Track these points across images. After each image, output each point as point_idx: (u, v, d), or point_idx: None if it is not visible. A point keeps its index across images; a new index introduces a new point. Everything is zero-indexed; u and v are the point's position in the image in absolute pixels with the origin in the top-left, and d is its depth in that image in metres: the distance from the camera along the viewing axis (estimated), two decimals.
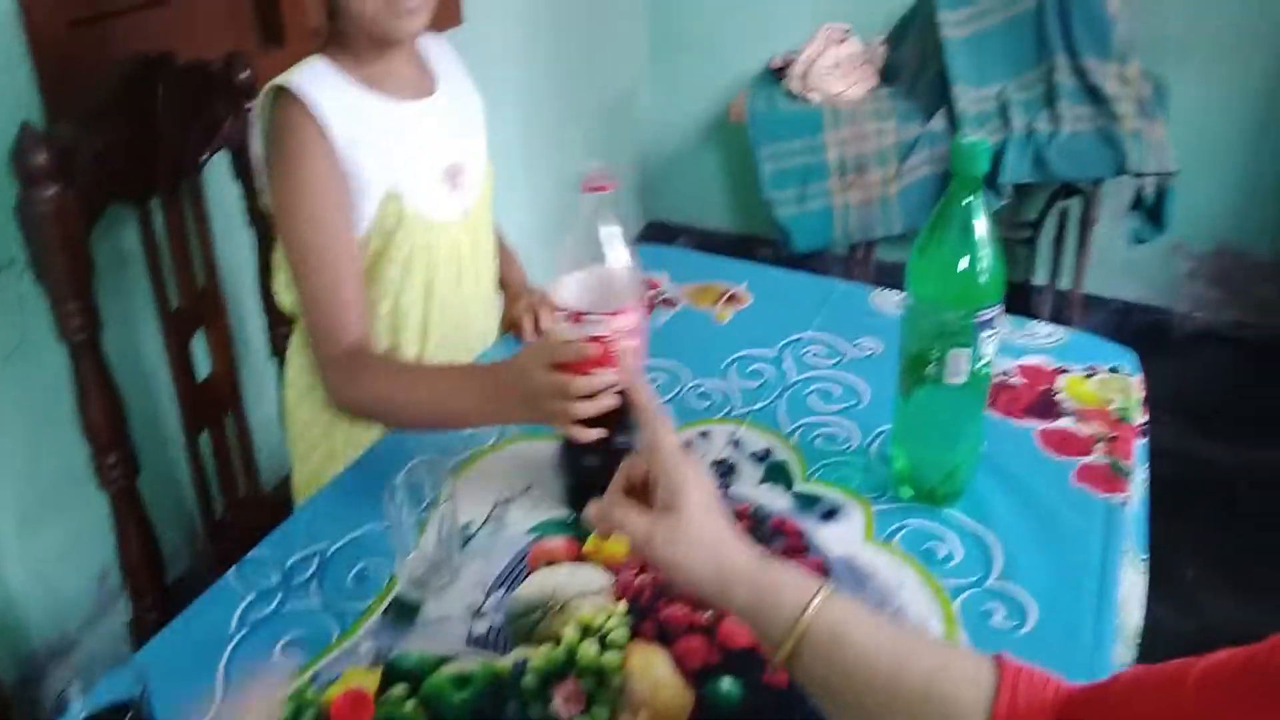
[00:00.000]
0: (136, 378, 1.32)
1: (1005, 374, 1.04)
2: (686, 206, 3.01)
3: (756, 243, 2.86)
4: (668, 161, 2.97)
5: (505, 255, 1.24)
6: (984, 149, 0.78)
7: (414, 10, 0.93)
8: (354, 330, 0.96)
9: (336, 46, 0.99)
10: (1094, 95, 2.03)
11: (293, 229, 0.95)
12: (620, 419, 0.81)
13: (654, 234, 3.02)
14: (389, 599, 0.79)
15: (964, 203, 0.79)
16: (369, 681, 0.71)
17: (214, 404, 1.32)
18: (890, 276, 2.32)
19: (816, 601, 0.56)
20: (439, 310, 1.08)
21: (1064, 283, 2.35)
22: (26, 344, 1.20)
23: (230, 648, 0.74)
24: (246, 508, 1.38)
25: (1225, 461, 2.00)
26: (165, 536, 1.26)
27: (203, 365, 1.29)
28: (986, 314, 0.80)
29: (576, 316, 0.78)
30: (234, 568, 0.83)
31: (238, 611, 0.78)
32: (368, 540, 0.86)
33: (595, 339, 0.77)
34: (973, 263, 0.79)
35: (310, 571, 0.82)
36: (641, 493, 0.64)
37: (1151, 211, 2.05)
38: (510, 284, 1.22)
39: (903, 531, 0.83)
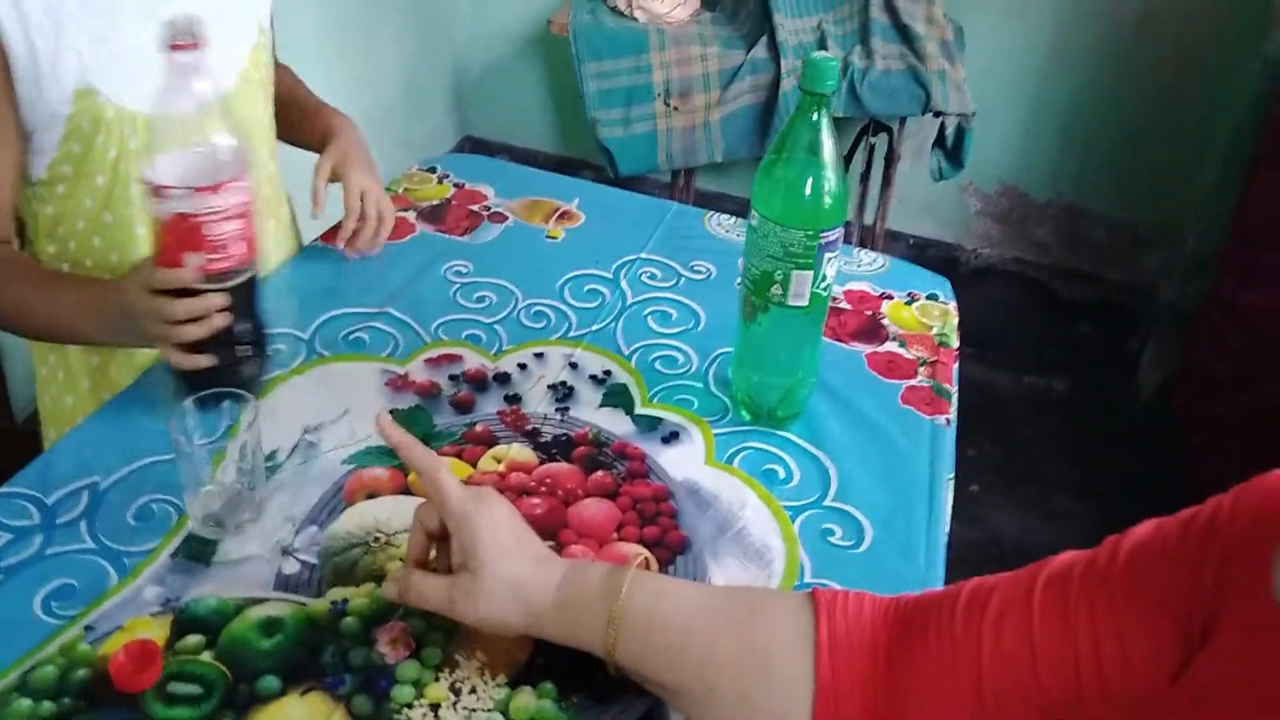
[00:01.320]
0: None
1: (834, 299, 1.05)
2: (505, 123, 2.88)
3: (577, 165, 2.79)
4: (486, 74, 2.81)
5: (288, 78, 1.09)
6: (833, 66, 0.76)
7: None
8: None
9: None
10: (904, 34, 2.10)
11: None
12: (239, 310, 0.75)
13: (470, 150, 2.87)
14: (178, 539, 0.69)
15: (812, 118, 0.77)
16: (156, 632, 0.61)
17: None
18: (709, 204, 2.33)
19: (621, 595, 0.57)
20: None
21: (868, 218, 2.46)
22: None
23: None
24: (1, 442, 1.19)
25: (1004, 386, 2.19)
26: None
27: None
28: (830, 235, 0.79)
29: (159, 190, 0.70)
30: None
31: None
32: (151, 473, 0.74)
33: (183, 216, 0.70)
34: (818, 182, 0.77)
35: (79, 509, 0.70)
36: (443, 538, 0.63)
37: (951, 150, 2.16)
38: (307, 102, 1.08)
39: (743, 453, 0.82)
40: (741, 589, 0.67)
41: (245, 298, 0.76)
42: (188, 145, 0.70)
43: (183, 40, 0.68)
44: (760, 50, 2.11)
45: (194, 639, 0.61)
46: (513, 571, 0.59)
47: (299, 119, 1.05)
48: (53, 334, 0.87)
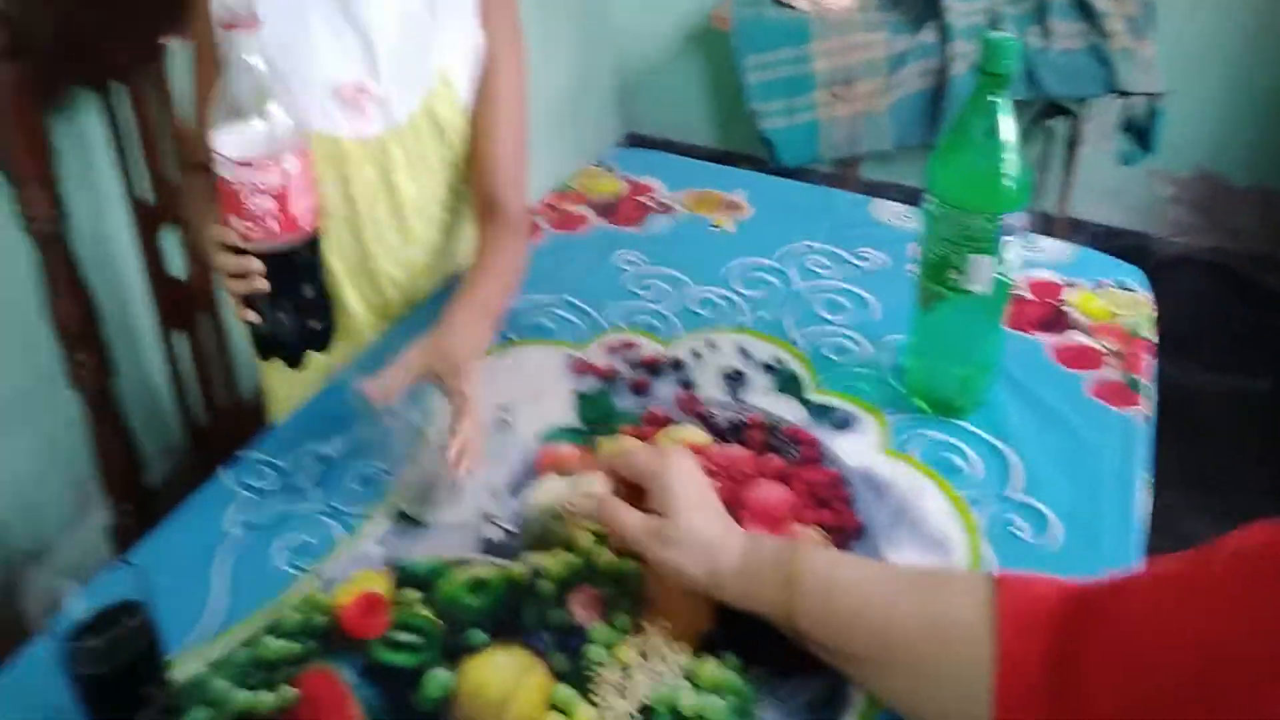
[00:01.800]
0: (107, 273, 1.25)
1: (1014, 287, 1.02)
2: (666, 119, 2.92)
3: (739, 158, 2.79)
4: (647, 71, 2.86)
5: (477, 270, 0.96)
6: (1014, 46, 0.74)
7: None
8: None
9: None
10: (1085, 11, 1.98)
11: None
12: (291, 281, 0.81)
13: (632, 146, 2.94)
14: (397, 509, 0.76)
15: (990, 100, 0.75)
16: (380, 585, 0.68)
17: (188, 304, 1.26)
18: (875, 193, 2.29)
19: (800, 557, 0.59)
20: (334, 228, 1.02)
21: (1048, 205, 2.34)
22: None
23: (230, 549, 0.71)
24: (227, 416, 1.33)
25: (1199, 387, 2.03)
26: (144, 442, 1.22)
27: (174, 263, 1.22)
28: (1011, 219, 0.77)
29: (213, 153, 0.75)
30: (224, 466, 0.79)
31: (230, 514, 0.75)
32: (370, 444, 0.82)
33: (226, 183, 0.75)
34: (998, 164, 0.76)
35: (310, 473, 0.79)
36: (630, 490, 0.66)
37: (1140, 133, 2.03)
38: (447, 314, 0.88)
39: (919, 442, 0.82)
40: (922, 566, 0.67)
41: (291, 270, 0.80)
42: (246, 118, 0.75)
43: (240, 20, 0.74)
44: (928, 34, 2.05)
45: (412, 593, 0.68)
46: (703, 528, 0.62)
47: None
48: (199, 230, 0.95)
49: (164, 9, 1.14)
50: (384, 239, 1.04)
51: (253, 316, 0.81)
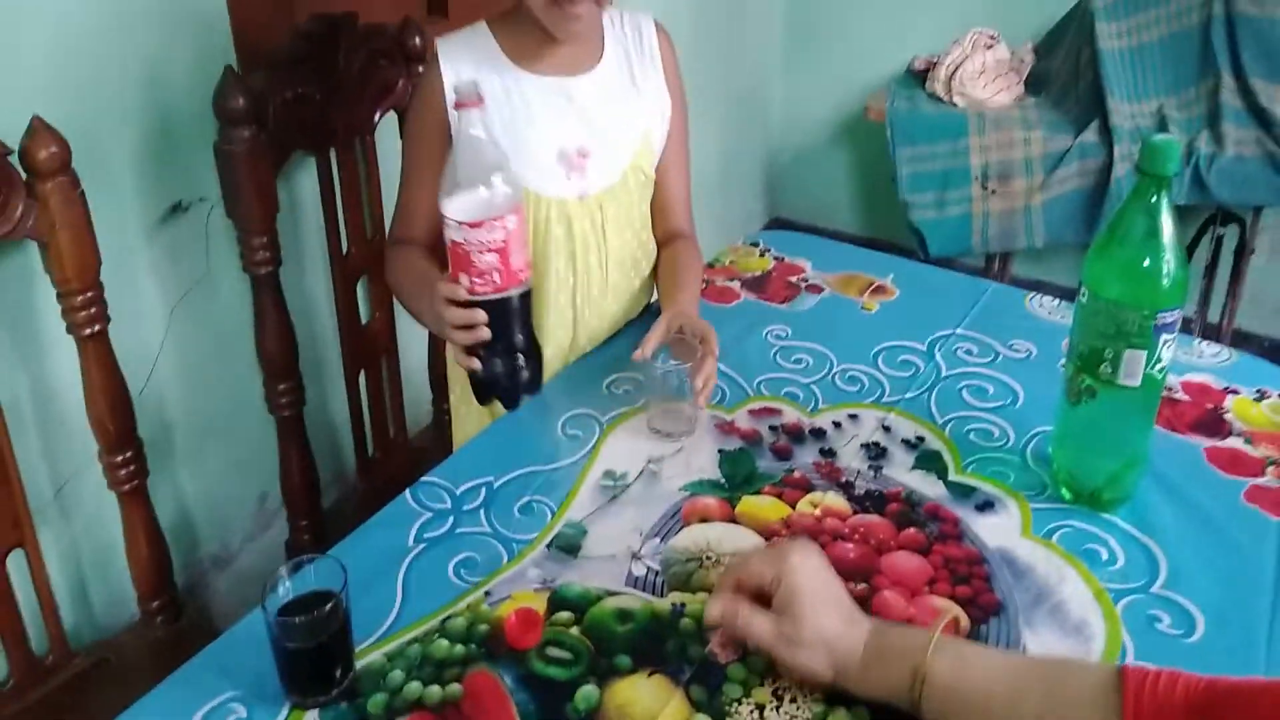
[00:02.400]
0: (306, 316, 1.41)
1: (1169, 389, 1.01)
2: (812, 205, 3.00)
3: (883, 247, 2.81)
4: (795, 158, 2.96)
5: (683, 266, 1.17)
6: (1175, 148, 0.77)
7: (579, 16, 0.97)
8: (412, 231, 1.12)
9: (506, 16, 1.06)
10: (1261, 117, 1.94)
11: (403, 152, 1.14)
12: (508, 328, 0.91)
13: (776, 229, 3.02)
14: (552, 534, 0.83)
15: (1151, 200, 0.78)
16: (536, 604, 0.75)
17: (372, 349, 1.40)
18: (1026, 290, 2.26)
19: (928, 653, 0.61)
20: (553, 282, 1.12)
21: (1212, 315, 2.25)
22: (211, 273, 1.29)
23: (409, 559, 0.80)
24: (394, 449, 1.46)
25: None
26: (320, 467, 1.35)
27: (363, 312, 1.37)
28: (1167, 317, 0.79)
29: (445, 219, 0.86)
30: (409, 489, 0.88)
31: (414, 528, 0.83)
32: (530, 479, 0.90)
33: (457, 244, 0.86)
34: (1156, 262, 0.78)
35: (478, 500, 0.87)
36: (755, 592, 0.69)
37: None
38: (674, 296, 1.12)
39: (1062, 530, 0.83)
40: (1047, 658, 0.68)
41: (508, 317, 0.91)
42: (472, 185, 0.86)
43: (465, 100, 0.85)
44: (1090, 135, 2.05)
45: (565, 615, 0.74)
46: (829, 627, 0.64)
47: (664, 289, 1.17)
48: (410, 311, 1.10)
49: (379, 88, 1.31)
50: (590, 290, 1.15)
51: (475, 364, 0.92)
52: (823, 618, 0.65)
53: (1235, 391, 1.01)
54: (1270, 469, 0.90)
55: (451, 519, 0.85)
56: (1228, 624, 0.73)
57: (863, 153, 2.82)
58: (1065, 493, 0.87)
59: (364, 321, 1.38)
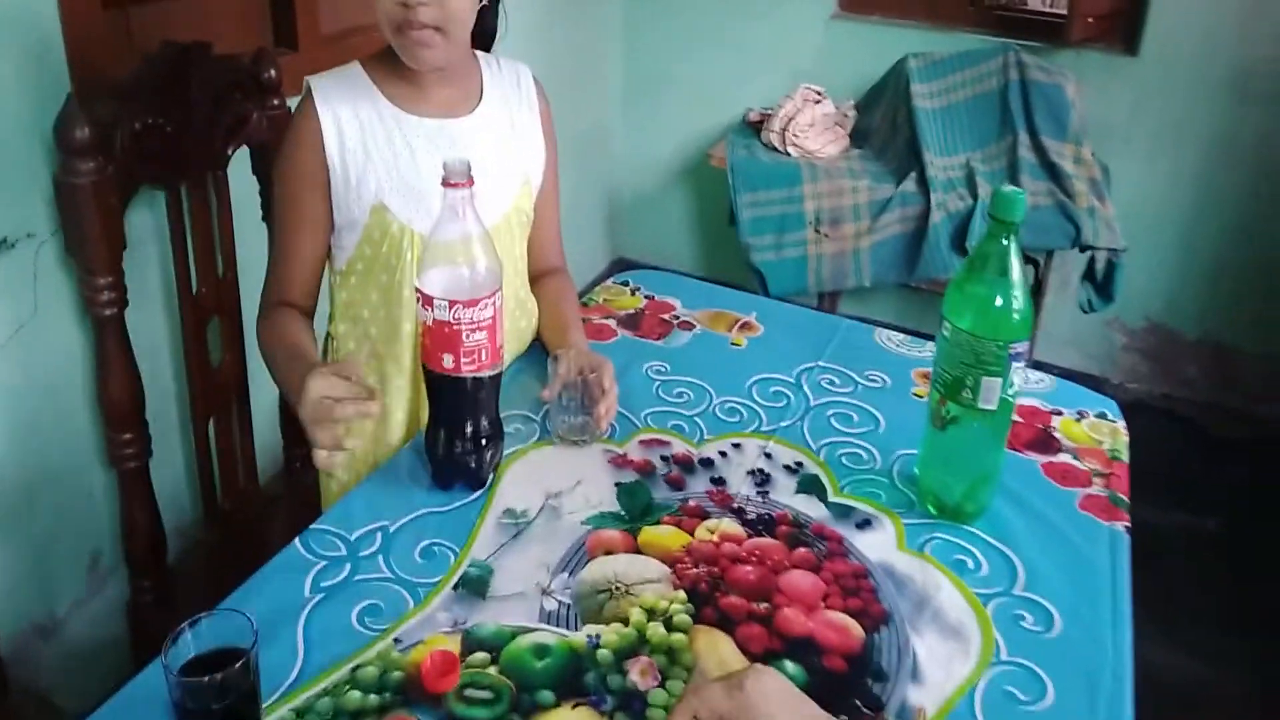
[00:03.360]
0: (149, 360, 1.31)
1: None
2: (654, 246, 3.10)
3: (724, 286, 2.95)
4: (637, 200, 3.05)
5: (567, 302, 1.21)
6: (1020, 198, 0.87)
7: (425, 44, 0.97)
8: (289, 293, 1.07)
9: (379, 58, 1.06)
10: (1052, 171, 2.21)
11: (274, 201, 1.09)
12: (485, 408, 0.90)
13: (619, 271, 3.08)
14: (457, 575, 0.82)
15: (1001, 243, 0.88)
16: (450, 647, 0.73)
17: (223, 393, 1.32)
18: None
19: None
20: None
21: None
22: (39, 318, 1.18)
23: (308, 609, 0.76)
24: (245, 498, 1.37)
25: (1154, 524, 2.15)
26: (164, 520, 1.25)
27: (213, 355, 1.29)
28: (1018, 346, 0.89)
29: (427, 299, 0.84)
30: (298, 538, 0.84)
31: (309, 577, 0.80)
32: (426, 521, 0.88)
33: (443, 324, 0.84)
34: (1008, 298, 0.88)
35: (375, 545, 0.85)
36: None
37: (1100, 285, 2.22)
38: (561, 337, 1.14)
39: (932, 542, 0.91)
40: None
41: (489, 394, 0.90)
42: (454, 265, 0.84)
43: (455, 179, 0.83)
44: (909, 185, 2.25)
45: (481, 655, 0.73)
46: None
47: (552, 326, 1.19)
48: (280, 386, 1.04)
49: (233, 121, 1.26)
50: None
51: (336, 463, 0.83)
52: None
53: (1059, 413, 1.14)
54: (1096, 480, 1.02)
55: (349, 565, 0.82)
56: (1079, 618, 0.82)
57: (701, 196, 2.95)
58: (931, 508, 0.95)
59: (214, 365, 1.30)
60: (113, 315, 1.12)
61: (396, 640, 0.74)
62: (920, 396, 1.14)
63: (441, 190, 0.83)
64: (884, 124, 2.44)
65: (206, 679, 0.60)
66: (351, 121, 1.02)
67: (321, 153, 1.02)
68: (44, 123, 1.02)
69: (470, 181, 0.83)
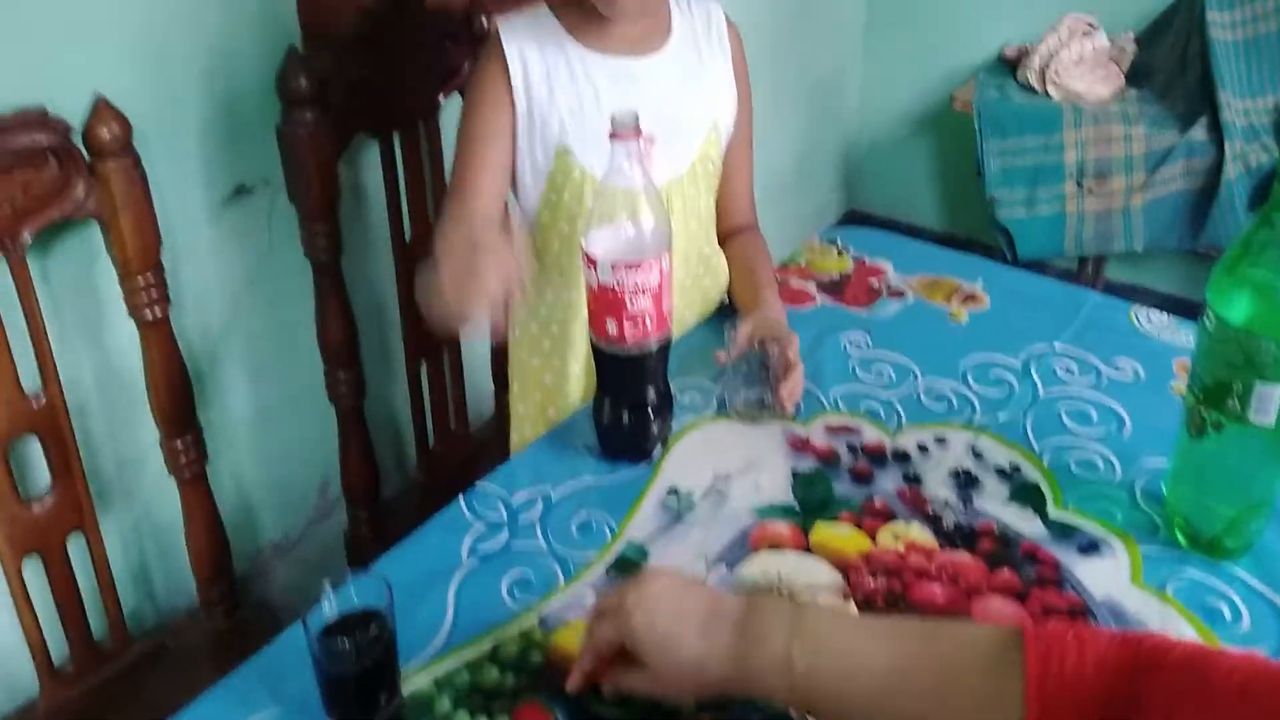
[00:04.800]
0: (368, 303, 1.38)
1: None
2: (891, 199, 2.88)
3: (965, 244, 2.70)
4: (874, 148, 2.85)
5: (759, 264, 1.13)
6: None
7: None
8: (471, 218, 1.00)
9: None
10: None
11: (458, 136, 1.06)
12: (651, 378, 0.86)
13: (852, 223, 2.91)
14: (612, 555, 0.78)
15: None
16: None
17: (434, 338, 1.36)
18: (1121, 296, 2.14)
19: (794, 657, 0.56)
20: None
21: None
22: (274, 258, 1.27)
23: (461, 574, 0.76)
24: (455, 441, 1.43)
25: None
26: (382, 458, 1.33)
27: None
28: None
29: (590, 260, 0.79)
30: (461, 496, 0.84)
31: (466, 541, 0.79)
32: (589, 492, 0.86)
33: (607, 288, 0.79)
34: None
35: (535, 513, 0.83)
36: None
37: None
38: (753, 299, 1.07)
39: (1179, 581, 0.75)
40: (929, 641, 0.58)
41: (656, 364, 0.85)
42: (619, 223, 0.79)
43: (622, 131, 0.77)
44: (1199, 132, 1.91)
45: None
46: (686, 659, 0.60)
47: (744, 287, 1.12)
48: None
49: (444, 71, 1.27)
50: None
51: (497, 318, 0.77)
52: (674, 654, 0.60)
53: None
54: None
55: (506, 532, 0.81)
56: None
57: (945, 145, 2.69)
58: (1181, 537, 0.78)
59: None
60: (328, 260, 1.18)
61: (541, 620, 0.72)
62: (1180, 393, 0.95)
63: (609, 143, 0.78)
64: (1170, 60, 2.08)
65: (340, 642, 0.61)
66: (537, 61, 1.00)
67: (508, 92, 1.00)
68: (274, 75, 1.08)
69: (638, 133, 0.77)
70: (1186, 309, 1.07)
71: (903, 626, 0.61)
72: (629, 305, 0.79)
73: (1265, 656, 0.48)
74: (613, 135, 0.77)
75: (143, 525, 1.20)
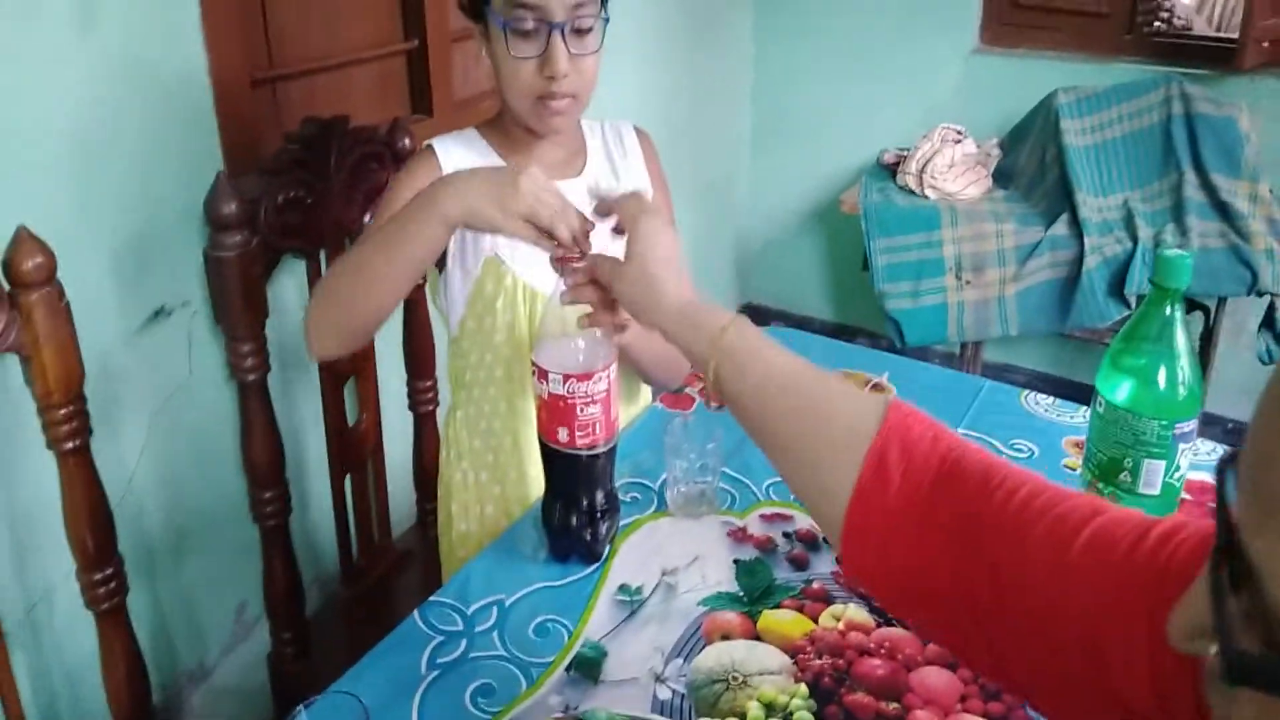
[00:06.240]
0: (292, 420, 1.37)
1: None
2: (785, 292, 3.04)
3: (854, 332, 2.87)
4: (766, 245, 3.01)
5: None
6: (1186, 262, 0.79)
7: (561, 112, 0.98)
8: None
9: (493, 122, 1.07)
10: (1223, 211, 2.02)
11: (375, 220, 1.03)
12: (599, 481, 0.90)
13: (749, 316, 3.04)
14: (571, 655, 0.80)
15: (1164, 312, 0.79)
16: None
17: (359, 450, 1.36)
18: (997, 375, 2.30)
19: (730, 324, 0.67)
20: None
21: None
22: (193, 381, 1.26)
23: (423, 687, 0.76)
24: (378, 553, 1.41)
25: None
26: (302, 573, 1.30)
27: (349, 413, 1.34)
28: (1184, 426, 0.79)
29: (541, 372, 0.84)
30: (417, 610, 0.85)
31: (426, 654, 0.80)
32: (542, 595, 0.87)
33: (558, 397, 0.83)
34: (1172, 374, 0.79)
35: (491, 620, 0.84)
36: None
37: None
38: None
39: None
40: (825, 378, 0.65)
41: (605, 467, 0.89)
42: (567, 337, 0.84)
43: (569, 255, 0.82)
44: (1060, 227, 2.12)
45: None
46: (662, 274, 0.73)
47: None
48: (383, 257, 0.90)
49: (369, 190, 1.31)
50: None
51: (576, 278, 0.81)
52: (657, 268, 0.73)
53: None
54: None
55: (465, 642, 0.81)
56: None
57: (833, 241, 2.88)
58: None
59: (350, 423, 1.35)
60: (255, 380, 1.18)
61: None
62: (1073, 469, 1.05)
63: (556, 267, 0.83)
64: (1031, 163, 2.31)
65: None
66: None
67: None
68: (199, 199, 1.09)
69: (583, 258, 0.82)
70: (1056, 386, 1.19)
71: (802, 371, 0.66)
72: (579, 414, 0.83)
73: (1045, 479, 0.55)
74: (561, 260, 0.81)
75: (54, 663, 1.14)
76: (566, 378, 0.82)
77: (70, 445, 0.99)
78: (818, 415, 0.61)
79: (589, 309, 0.84)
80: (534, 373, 0.85)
